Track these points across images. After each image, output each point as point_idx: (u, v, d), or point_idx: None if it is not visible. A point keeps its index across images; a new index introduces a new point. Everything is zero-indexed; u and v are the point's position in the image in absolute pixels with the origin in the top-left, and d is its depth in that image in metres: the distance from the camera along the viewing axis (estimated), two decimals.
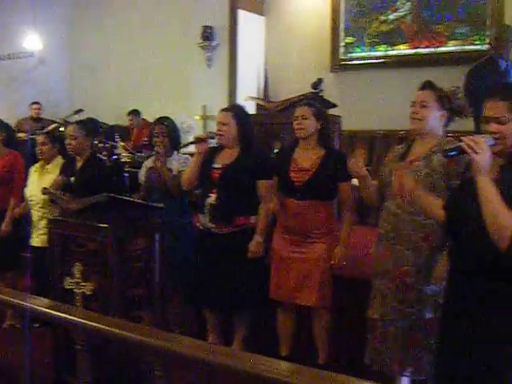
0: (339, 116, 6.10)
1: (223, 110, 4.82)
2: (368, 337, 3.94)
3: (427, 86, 3.80)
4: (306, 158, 4.50)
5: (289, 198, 4.50)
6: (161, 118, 5.48)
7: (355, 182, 4.23)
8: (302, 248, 4.45)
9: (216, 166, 4.71)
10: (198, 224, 4.80)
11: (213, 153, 4.80)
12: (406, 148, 3.87)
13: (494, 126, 2.76)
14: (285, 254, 4.51)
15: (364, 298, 4.02)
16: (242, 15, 9.59)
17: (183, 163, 5.16)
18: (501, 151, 2.76)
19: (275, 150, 5.37)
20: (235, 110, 4.81)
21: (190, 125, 7.91)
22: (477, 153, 2.61)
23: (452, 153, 2.76)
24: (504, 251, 2.58)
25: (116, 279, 3.94)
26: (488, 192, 2.62)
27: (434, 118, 3.74)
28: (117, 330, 3.12)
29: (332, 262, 4.40)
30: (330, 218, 4.49)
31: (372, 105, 8.45)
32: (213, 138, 4.80)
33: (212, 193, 4.66)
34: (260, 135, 5.99)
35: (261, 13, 9.88)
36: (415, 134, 3.83)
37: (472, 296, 2.82)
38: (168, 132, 5.30)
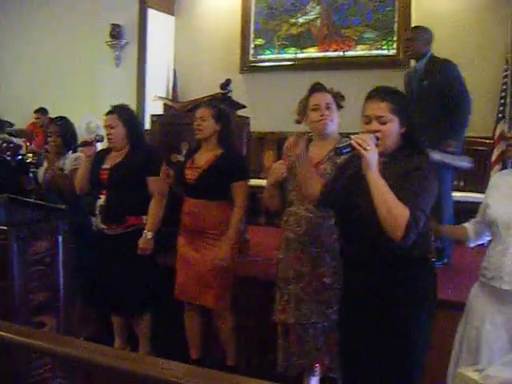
0: (247, 117, 6.09)
1: (108, 112, 4.77)
2: (280, 342, 3.95)
3: (321, 88, 3.87)
4: (203, 157, 4.49)
5: (186, 196, 4.52)
6: (56, 117, 5.40)
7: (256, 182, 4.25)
8: (201, 248, 4.45)
9: (104, 166, 4.67)
10: (93, 225, 4.75)
11: (103, 155, 4.77)
12: None
13: (375, 125, 2.92)
14: (185, 254, 4.50)
15: (271, 299, 4.03)
16: (152, 14, 9.50)
17: (74, 162, 5.08)
18: (383, 150, 2.90)
19: (182, 151, 5.32)
20: (120, 112, 4.75)
21: (97, 124, 7.76)
22: (365, 149, 2.75)
23: (344, 150, 2.87)
24: (399, 241, 2.72)
25: (17, 283, 3.81)
26: (379, 186, 2.76)
27: (336, 119, 3.86)
28: (17, 337, 3.01)
29: (216, 261, 4.38)
30: (227, 218, 4.44)
31: (281, 107, 8.45)
32: (100, 140, 4.76)
33: (102, 194, 4.61)
34: (167, 136, 5.94)
35: (171, 12, 9.80)
36: (319, 135, 3.88)
37: (363, 285, 2.98)
38: (61, 131, 5.22)
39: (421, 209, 2.77)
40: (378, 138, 2.86)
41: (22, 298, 3.86)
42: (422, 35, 5.73)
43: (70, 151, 5.26)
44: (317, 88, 3.90)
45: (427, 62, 5.60)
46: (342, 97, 3.91)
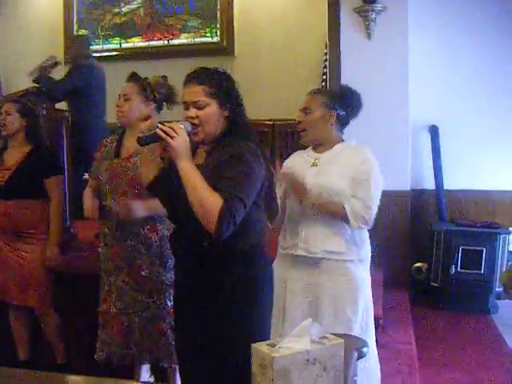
0: (65, 110, 6.01)
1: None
2: (100, 332, 3.92)
3: (131, 78, 3.83)
4: (12, 156, 4.40)
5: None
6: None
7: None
8: (19, 249, 4.37)
9: None
10: None
11: None
12: (118, 142, 3.88)
13: (192, 111, 2.77)
14: (3, 255, 4.42)
15: (95, 293, 4.02)
16: None
17: None
18: (204, 138, 2.79)
19: None
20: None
21: None
22: (172, 138, 2.61)
23: (146, 140, 2.73)
24: (214, 234, 2.57)
25: None
26: (190, 177, 2.61)
27: (137, 110, 3.75)
28: None
29: (46, 263, 4.36)
30: (45, 218, 4.40)
31: (106, 97, 8.42)
32: None
33: None
34: None
35: None
36: (128, 127, 3.84)
37: (191, 280, 2.86)
38: None
39: (238, 197, 2.59)
40: (195, 125, 2.74)
41: None
42: None
43: None
44: (127, 78, 3.86)
45: None
46: (151, 88, 3.82)
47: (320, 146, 3.62)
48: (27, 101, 4.60)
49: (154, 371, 4.03)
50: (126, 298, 3.78)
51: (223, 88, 2.80)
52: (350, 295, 3.47)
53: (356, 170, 3.45)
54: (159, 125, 2.68)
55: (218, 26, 8.66)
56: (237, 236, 2.65)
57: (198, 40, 8.79)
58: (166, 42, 8.92)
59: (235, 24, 8.58)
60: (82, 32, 9.06)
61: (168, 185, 2.80)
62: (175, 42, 8.88)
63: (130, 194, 3.67)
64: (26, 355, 4.60)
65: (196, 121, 2.75)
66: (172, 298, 3.48)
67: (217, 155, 2.75)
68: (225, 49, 8.53)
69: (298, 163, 3.64)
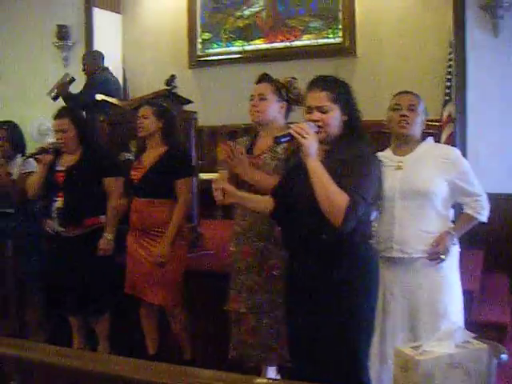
0: (194, 112, 6.10)
1: (57, 116, 4.74)
2: (233, 330, 3.98)
3: (263, 78, 3.89)
4: (148, 155, 4.52)
5: (133, 195, 4.53)
6: (2, 121, 5.36)
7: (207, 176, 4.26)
8: (147, 246, 4.47)
9: (59, 168, 4.66)
10: (47, 229, 4.71)
11: (55, 156, 4.73)
12: (251, 141, 3.93)
13: (316, 115, 2.97)
14: (133, 252, 4.52)
15: (223, 291, 4.06)
16: (98, 13, 9.40)
17: (23, 166, 5.05)
18: (325, 138, 2.97)
19: (131, 149, 5.34)
20: (70, 115, 4.74)
21: (48, 127, 7.72)
22: (304, 138, 2.80)
23: (282, 139, 2.93)
24: (340, 227, 2.78)
25: None
26: (319, 174, 2.81)
27: (273, 110, 3.82)
28: None
29: (150, 258, 4.42)
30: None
31: (230, 99, 8.53)
32: (57, 148, 4.71)
33: (58, 196, 4.58)
34: (115, 135, 5.94)
35: (117, 11, 9.72)
36: (259, 126, 3.90)
37: (305, 273, 3.02)
38: (8, 136, 5.20)
39: (360, 195, 2.82)
40: (319, 127, 2.93)
41: None
42: None
43: (19, 155, 5.24)
44: (259, 79, 3.94)
45: None
46: (285, 88, 3.89)
47: (402, 146, 3.68)
48: (162, 103, 4.70)
49: (280, 371, 4.02)
50: (256, 297, 3.82)
51: (344, 95, 3.04)
52: (448, 291, 3.56)
53: (449, 168, 3.55)
54: (292, 125, 2.88)
55: (340, 26, 8.62)
56: (353, 230, 2.87)
57: (320, 41, 8.77)
58: (288, 44, 8.93)
59: (357, 24, 8.50)
60: (206, 36, 9.25)
61: (291, 184, 3.06)
62: (297, 43, 8.88)
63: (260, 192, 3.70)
64: (154, 349, 4.70)
65: (320, 123, 2.95)
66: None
67: (337, 155, 2.95)
68: (347, 49, 8.48)
69: None
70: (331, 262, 2.95)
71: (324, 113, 2.97)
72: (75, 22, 9.47)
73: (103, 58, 7.50)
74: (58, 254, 4.71)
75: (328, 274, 2.96)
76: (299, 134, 2.81)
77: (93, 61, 7.51)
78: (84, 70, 7.47)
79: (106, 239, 4.60)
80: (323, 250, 2.95)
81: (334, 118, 3.00)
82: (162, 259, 4.35)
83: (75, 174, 4.62)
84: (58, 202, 4.61)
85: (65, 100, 7.13)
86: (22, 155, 5.24)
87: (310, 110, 3.01)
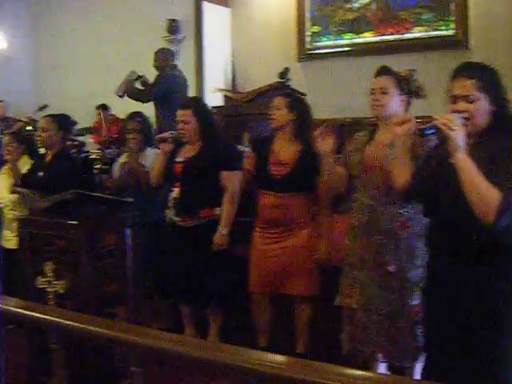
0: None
1: (182, 107, 4.79)
2: (345, 326, 3.94)
3: (384, 71, 3.81)
4: (285, 150, 4.47)
5: (267, 190, 4.48)
6: (133, 113, 5.47)
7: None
8: (283, 239, 4.44)
9: (178, 159, 4.71)
10: (166, 218, 4.78)
11: (175, 147, 4.80)
12: (369, 136, 3.86)
13: (462, 105, 2.78)
14: (263, 247, 4.50)
15: (333, 286, 4.03)
16: (207, 7, 9.53)
17: (155, 158, 5.14)
18: (471, 130, 2.77)
19: (245, 142, 5.36)
20: (194, 106, 4.78)
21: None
22: (452, 130, 2.63)
23: (428, 131, 2.75)
24: (491, 225, 2.60)
25: (88, 276, 3.90)
26: (468, 169, 2.63)
27: (395, 103, 3.74)
28: (91, 328, 3.08)
29: (316, 256, 4.38)
30: (311, 208, 4.46)
31: (339, 93, 8.44)
32: (176, 138, 4.78)
33: (175, 186, 4.65)
34: (228, 127, 5.97)
35: (226, 4, 9.81)
36: (379, 120, 3.83)
37: (454, 279, 2.84)
38: (141, 128, 5.30)
39: None
40: (465, 118, 2.74)
41: (93, 290, 3.95)
42: None
43: (148, 147, 5.34)
44: (378, 72, 3.86)
45: None
46: (406, 80, 3.81)
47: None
48: (297, 95, 4.66)
49: (390, 368, 3.95)
50: (369, 293, 3.76)
51: (492, 83, 2.81)
52: None
53: None
54: (436, 117, 2.70)
55: (453, 18, 8.36)
56: (506, 230, 2.65)
57: (431, 33, 8.51)
58: (398, 37, 8.71)
59: (470, 16, 8.25)
60: (315, 29, 9.19)
61: (430, 183, 2.89)
62: (408, 36, 8.65)
63: (381, 188, 3.66)
64: (266, 342, 4.69)
65: (466, 114, 2.74)
66: (417, 296, 3.50)
67: (485, 149, 2.75)
68: (460, 42, 8.20)
69: None
70: (480, 263, 2.78)
71: (470, 103, 2.77)
72: (185, 16, 9.61)
73: (173, 56, 7.76)
74: (174, 243, 4.78)
75: (476, 277, 2.79)
76: (446, 126, 2.65)
77: (163, 58, 7.72)
78: (155, 66, 7.67)
79: (221, 234, 4.62)
80: (472, 252, 2.77)
81: (481, 109, 2.79)
82: (327, 257, 4.36)
83: (193, 166, 4.66)
84: (175, 192, 4.67)
85: (130, 97, 7.54)
86: (151, 147, 5.34)
87: (454, 99, 2.82)
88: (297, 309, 4.57)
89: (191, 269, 4.65)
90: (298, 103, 4.53)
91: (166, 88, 7.23)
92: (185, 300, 4.88)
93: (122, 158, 5.48)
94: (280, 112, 4.44)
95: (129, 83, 7.53)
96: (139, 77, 7.58)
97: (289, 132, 4.47)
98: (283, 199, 4.42)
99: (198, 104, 4.87)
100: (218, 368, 2.65)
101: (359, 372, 2.17)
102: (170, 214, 4.71)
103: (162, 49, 7.70)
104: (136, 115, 5.45)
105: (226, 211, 4.64)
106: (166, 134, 4.92)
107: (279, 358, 2.36)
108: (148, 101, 7.51)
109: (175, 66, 7.71)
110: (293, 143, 4.47)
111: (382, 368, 3.95)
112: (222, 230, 4.60)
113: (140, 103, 7.39)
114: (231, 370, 2.43)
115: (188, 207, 4.64)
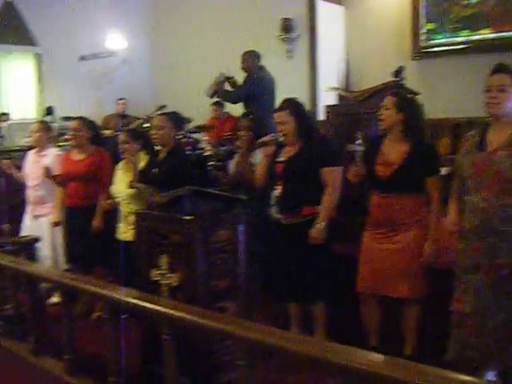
0: (421, 104, 5.99)
1: (278, 109, 4.84)
2: (453, 331, 3.86)
3: (501, 69, 3.70)
4: (393, 150, 4.42)
5: (374, 190, 4.48)
6: (246, 112, 5.55)
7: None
8: (389, 239, 4.39)
9: (279, 159, 4.77)
10: (271, 216, 4.85)
11: (277, 149, 4.86)
12: (481, 136, 3.77)
13: None
14: (372, 247, 4.48)
15: (442, 289, 3.98)
16: (321, 6, 9.55)
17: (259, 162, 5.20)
18: None
19: (358, 141, 5.33)
20: (290, 107, 4.79)
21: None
22: None
23: None
24: None
25: (201, 270, 3.98)
26: None
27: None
28: (202, 320, 3.16)
29: (421, 259, 4.32)
30: (419, 209, 4.37)
31: (455, 92, 8.30)
32: (276, 140, 4.83)
33: (278, 185, 4.70)
34: (342, 126, 5.96)
35: (340, 3, 9.82)
36: (494, 118, 3.73)
37: None
38: (251, 126, 5.37)
39: None
40: None
41: (205, 284, 4.04)
42: None
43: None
44: (495, 69, 3.75)
45: None
46: None
47: None
48: (405, 94, 4.61)
49: (502, 377, 3.82)
50: (483, 297, 3.68)
51: None
52: None
53: None
54: None
55: None
56: None
57: None
58: None
59: None
60: (430, 26, 9.05)
61: None
62: None
63: (494, 190, 3.58)
64: (377, 342, 4.66)
65: None
66: None
67: None
68: None
69: None
70: None
71: None
72: (299, 15, 9.65)
73: (259, 58, 7.81)
74: (278, 240, 4.83)
75: None
76: None
77: (251, 60, 7.81)
78: (243, 68, 7.76)
79: (318, 228, 4.60)
80: None
81: None
82: (431, 258, 4.30)
83: (293, 165, 4.69)
84: (277, 191, 4.73)
85: (219, 97, 7.98)
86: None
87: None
88: (404, 310, 4.51)
89: (294, 266, 4.69)
90: (406, 103, 4.46)
91: (253, 90, 7.40)
92: (289, 297, 4.92)
93: (237, 157, 5.57)
94: (388, 112, 4.38)
95: (218, 85, 7.77)
96: (228, 78, 7.82)
97: (398, 132, 4.40)
98: (387, 199, 4.37)
99: (293, 104, 4.87)
100: (326, 367, 2.65)
101: (465, 377, 2.14)
102: (274, 211, 4.77)
103: (248, 51, 7.81)
104: (249, 113, 5.53)
105: (324, 206, 4.65)
106: (266, 138, 4.98)
107: (385, 358, 2.36)
108: (235, 102, 7.77)
109: (262, 67, 7.83)
110: (401, 144, 4.39)
111: (491, 376, 3.85)
112: (319, 225, 4.61)
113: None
114: (339, 369, 2.44)
115: (290, 205, 4.67)
